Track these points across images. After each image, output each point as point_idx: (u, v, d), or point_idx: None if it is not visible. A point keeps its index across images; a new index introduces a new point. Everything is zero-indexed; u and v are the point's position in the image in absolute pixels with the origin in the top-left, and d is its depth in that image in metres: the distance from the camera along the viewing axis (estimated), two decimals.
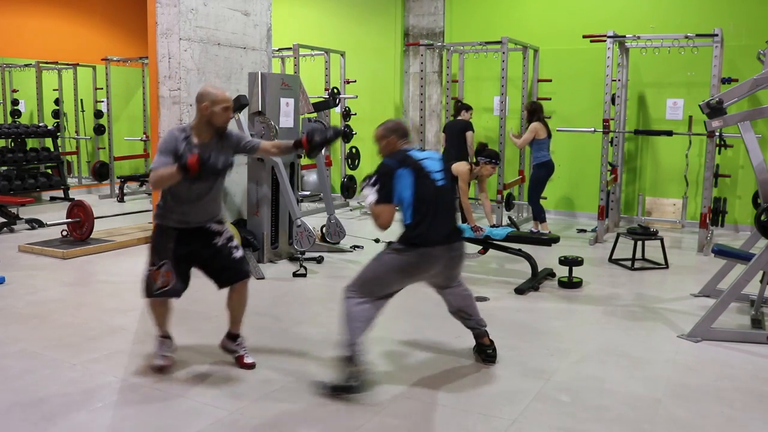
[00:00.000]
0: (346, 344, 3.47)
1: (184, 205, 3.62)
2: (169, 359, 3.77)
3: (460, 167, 6.06)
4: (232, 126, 6.17)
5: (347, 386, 3.42)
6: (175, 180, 3.38)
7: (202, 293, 5.46)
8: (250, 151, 3.86)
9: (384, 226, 3.44)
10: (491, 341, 3.94)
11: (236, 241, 3.82)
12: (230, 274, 3.75)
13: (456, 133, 8.20)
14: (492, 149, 6.19)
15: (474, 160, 6.17)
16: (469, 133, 8.14)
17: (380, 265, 3.56)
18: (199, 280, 5.75)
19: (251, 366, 3.81)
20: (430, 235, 3.50)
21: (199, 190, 3.61)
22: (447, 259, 3.59)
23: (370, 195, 3.46)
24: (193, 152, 3.42)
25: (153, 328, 3.86)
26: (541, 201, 7.87)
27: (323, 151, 7.06)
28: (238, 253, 3.77)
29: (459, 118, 8.35)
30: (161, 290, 3.61)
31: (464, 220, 6.11)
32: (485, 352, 3.92)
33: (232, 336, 3.92)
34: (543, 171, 7.74)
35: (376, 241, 7.27)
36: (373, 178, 3.50)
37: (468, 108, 8.36)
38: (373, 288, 3.54)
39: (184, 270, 3.67)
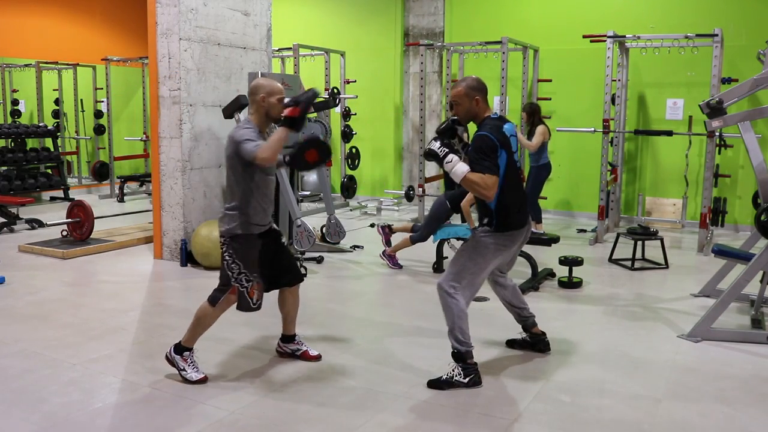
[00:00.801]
0: (462, 340, 3.57)
1: (265, 203, 3.62)
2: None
3: None
4: (228, 125, 6.18)
5: (471, 381, 3.56)
6: (285, 139, 3.40)
7: (203, 293, 5.47)
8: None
9: (491, 197, 3.42)
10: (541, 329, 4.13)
11: None
12: (291, 276, 3.82)
13: None
14: None
15: None
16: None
17: (479, 254, 3.58)
18: (198, 280, 5.78)
19: (318, 358, 3.92)
20: (519, 218, 3.65)
21: (272, 183, 3.67)
22: (522, 239, 3.76)
23: (460, 164, 3.38)
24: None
25: (193, 340, 3.68)
26: (541, 201, 7.86)
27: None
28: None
29: None
30: (259, 303, 3.63)
31: (463, 221, 6.11)
32: (543, 341, 4.10)
33: (290, 337, 3.95)
34: (545, 172, 7.72)
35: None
36: (473, 148, 3.44)
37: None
38: (474, 279, 3.59)
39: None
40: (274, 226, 3.81)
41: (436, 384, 3.58)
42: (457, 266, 3.60)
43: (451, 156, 3.40)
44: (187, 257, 6.19)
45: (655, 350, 4.21)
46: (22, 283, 5.55)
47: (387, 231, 6.47)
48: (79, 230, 6.91)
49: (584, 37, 8.00)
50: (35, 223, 7.90)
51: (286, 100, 3.57)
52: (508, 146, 3.53)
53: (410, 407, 3.37)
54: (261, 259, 3.63)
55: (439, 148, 3.43)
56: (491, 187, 3.38)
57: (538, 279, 5.70)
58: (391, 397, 3.47)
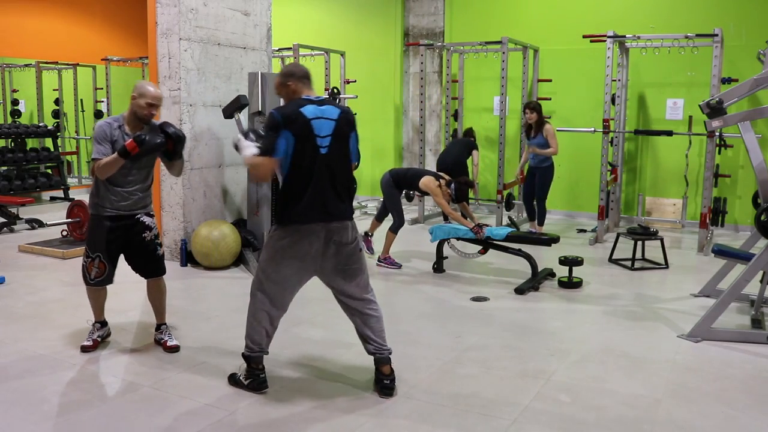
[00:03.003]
0: (250, 346, 3.47)
1: (118, 192, 3.84)
2: (96, 342, 4.06)
3: (427, 183, 6.07)
4: (228, 126, 6.18)
5: (251, 385, 3.48)
6: (119, 165, 3.70)
7: (202, 293, 5.47)
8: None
9: (262, 178, 3.31)
10: (392, 370, 3.52)
11: (160, 239, 4.11)
12: (151, 269, 4.07)
13: (461, 146, 8.25)
14: (467, 184, 6.15)
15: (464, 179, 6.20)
16: (476, 152, 8.27)
17: (269, 256, 3.35)
18: (198, 280, 5.78)
19: (174, 348, 4.04)
20: (307, 212, 3.21)
21: (134, 178, 3.86)
22: (327, 240, 3.29)
23: (249, 148, 3.23)
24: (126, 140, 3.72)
25: (94, 314, 4.14)
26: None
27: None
28: (161, 251, 4.11)
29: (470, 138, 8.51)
30: (96, 280, 3.95)
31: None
32: (382, 383, 3.49)
33: (157, 325, 4.18)
34: (551, 171, 7.71)
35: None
36: (262, 129, 3.32)
37: (474, 136, 8.52)
38: (271, 286, 3.37)
39: (115, 257, 3.98)
40: (143, 219, 3.97)
41: (231, 376, 3.59)
42: (259, 267, 3.42)
43: (244, 142, 3.24)
44: (187, 257, 6.19)
45: (655, 350, 4.21)
46: (21, 283, 5.55)
47: (367, 239, 6.60)
48: (79, 230, 6.90)
49: (584, 37, 8.00)
50: (35, 223, 7.90)
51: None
52: (300, 128, 3.18)
53: (410, 407, 3.37)
54: (109, 241, 3.89)
55: (239, 139, 3.30)
56: (260, 167, 3.20)
57: (538, 279, 5.70)
58: (391, 397, 3.46)
